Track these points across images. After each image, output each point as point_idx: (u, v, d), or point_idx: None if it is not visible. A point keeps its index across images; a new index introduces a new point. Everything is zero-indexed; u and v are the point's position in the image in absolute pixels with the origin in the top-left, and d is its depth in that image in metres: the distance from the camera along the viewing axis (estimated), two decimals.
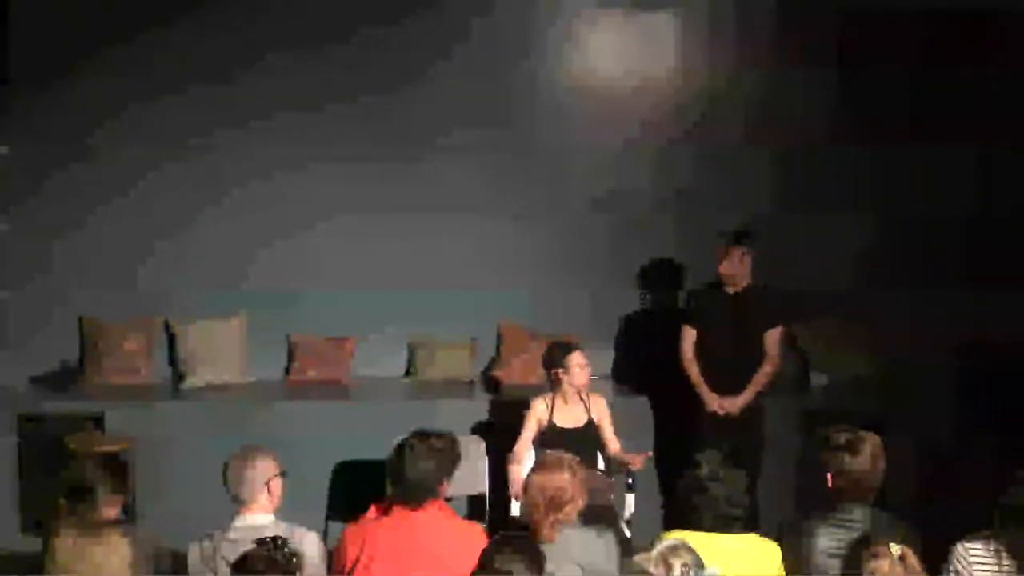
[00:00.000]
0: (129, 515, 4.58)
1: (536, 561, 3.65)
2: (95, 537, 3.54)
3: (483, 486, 6.28)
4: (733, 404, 6.40)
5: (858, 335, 7.20)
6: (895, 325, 7.09)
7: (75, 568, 3.49)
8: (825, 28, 7.28)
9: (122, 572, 3.54)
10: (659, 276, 7.41)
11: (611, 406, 6.15)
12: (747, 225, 6.57)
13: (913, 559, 3.47)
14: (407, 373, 7.41)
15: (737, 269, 6.42)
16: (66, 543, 3.52)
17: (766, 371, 6.45)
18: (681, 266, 7.36)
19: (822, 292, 7.15)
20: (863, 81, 7.24)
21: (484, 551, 3.68)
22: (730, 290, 6.47)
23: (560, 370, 5.98)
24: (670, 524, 4.20)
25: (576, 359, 5.98)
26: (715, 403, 6.42)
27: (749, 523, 4.17)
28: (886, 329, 7.12)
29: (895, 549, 3.47)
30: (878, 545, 3.50)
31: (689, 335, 6.57)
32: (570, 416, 6.01)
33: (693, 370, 6.52)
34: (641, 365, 7.27)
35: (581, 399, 6.03)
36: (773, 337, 6.47)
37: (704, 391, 6.46)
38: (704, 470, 4.14)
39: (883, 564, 3.44)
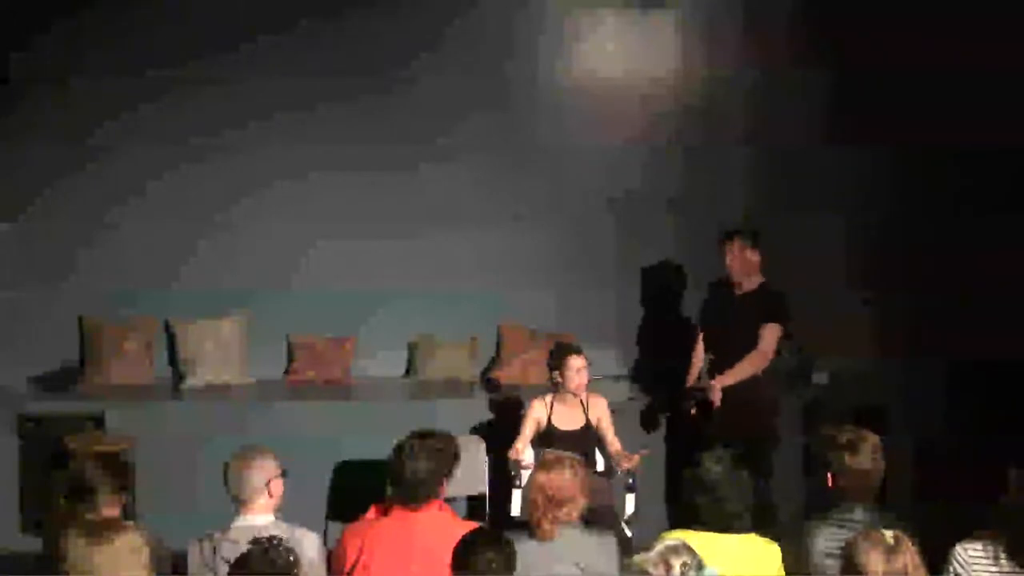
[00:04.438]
0: (129, 515, 4.56)
1: (510, 556, 3.67)
2: (107, 536, 3.53)
3: (483, 486, 6.29)
4: (714, 390, 6.24)
5: (858, 335, 7.21)
6: (896, 325, 7.10)
7: (88, 568, 3.49)
8: (825, 28, 7.28)
9: (136, 570, 3.54)
10: (664, 277, 7.41)
11: (613, 406, 6.14)
12: (747, 224, 6.52)
13: (908, 544, 3.47)
14: (407, 373, 7.42)
15: (734, 264, 6.33)
16: (77, 543, 3.52)
17: (752, 360, 6.24)
18: (682, 267, 7.36)
19: (823, 291, 7.17)
20: (863, 81, 7.24)
21: (458, 547, 3.70)
22: (737, 290, 6.39)
23: (557, 372, 5.98)
24: (670, 524, 4.19)
25: (573, 363, 5.94)
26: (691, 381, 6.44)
27: (765, 522, 4.16)
28: (886, 329, 7.13)
29: (888, 536, 3.47)
30: (872, 533, 3.51)
31: (700, 336, 6.56)
32: (568, 418, 6.00)
33: (693, 364, 6.50)
34: (651, 366, 7.29)
35: (580, 401, 6.02)
36: (767, 330, 6.28)
37: (690, 377, 6.47)
38: (708, 470, 4.14)
39: (877, 550, 3.44)
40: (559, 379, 5.98)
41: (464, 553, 3.66)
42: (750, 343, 6.33)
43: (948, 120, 7.14)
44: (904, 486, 5.06)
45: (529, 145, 7.32)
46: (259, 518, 4.23)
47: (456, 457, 4.39)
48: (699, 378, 6.52)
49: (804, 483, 6.25)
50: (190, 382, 7.11)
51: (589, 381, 6.03)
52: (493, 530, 4.03)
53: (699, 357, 6.53)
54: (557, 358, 6.01)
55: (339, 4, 7.22)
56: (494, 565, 3.61)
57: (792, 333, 6.94)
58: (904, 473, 4.52)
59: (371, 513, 4.32)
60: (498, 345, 7.44)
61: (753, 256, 6.35)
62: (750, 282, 6.39)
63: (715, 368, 6.41)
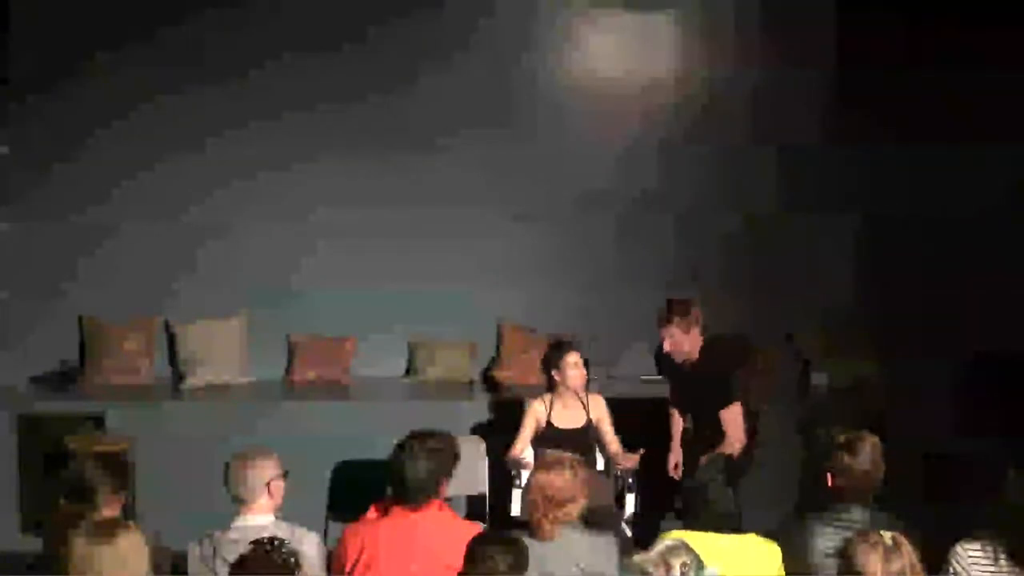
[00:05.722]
0: (129, 515, 4.56)
1: (520, 556, 3.68)
2: (110, 536, 3.53)
3: (483, 486, 6.29)
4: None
5: (858, 337, 7.21)
6: (895, 326, 7.10)
7: (91, 568, 3.49)
8: (824, 28, 7.28)
9: (139, 570, 3.54)
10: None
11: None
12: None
13: (907, 546, 3.47)
14: (407, 373, 7.41)
15: (677, 346, 5.77)
16: (79, 543, 3.52)
17: (728, 449, 5.60)
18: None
19: (823, 292, 7.18)
20: (863, 81, 7.24)
21: (469, 546, 3.70)
22: (686, 363, 5.84)
23: (556, 371, 5.98)
24: (670, 524, 4.21)
25: (570, 359, 5.94)
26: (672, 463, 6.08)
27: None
28: (886, 330, 7.13)
29: (887, 537, 3.47)
30: (870, 535, 3.51)
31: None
32: (568, 417, 6.00)
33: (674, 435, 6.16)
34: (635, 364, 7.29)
35: (580, 400, 6.02)
36: (728, 417, 5.70)
37: (674, 446, 6.12)
38: (704, 471, 4.15)
39: (876, 552, 3.44)
40: (557, 377, 5.97)
41: (475, 553, 3.66)
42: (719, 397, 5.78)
43: (949, 120, 7.15)
44: (904, 487, 5.03)
45: (530, 145, 7.32)
46: (259, 518, 4.23)
47: (456, 457, 4.39)
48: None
49: (798, 485, 6.29)
50: (190, 382, 7.11)
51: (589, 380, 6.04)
52: (504, 532, 4.03)
53: (677, 425, 6.14)
54: (555, 356, 6.00)
55: (340, 4, 7.22)
56: (504, 567, 3.61)
57: (792, 334, 6.97)
58: (904, 474, 4.50)
59: (371, 513, 4.32)
60: (498, 345, 7.44)
61: (692, 334, 5.74)
62: (693, 353, 5.81)
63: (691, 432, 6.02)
